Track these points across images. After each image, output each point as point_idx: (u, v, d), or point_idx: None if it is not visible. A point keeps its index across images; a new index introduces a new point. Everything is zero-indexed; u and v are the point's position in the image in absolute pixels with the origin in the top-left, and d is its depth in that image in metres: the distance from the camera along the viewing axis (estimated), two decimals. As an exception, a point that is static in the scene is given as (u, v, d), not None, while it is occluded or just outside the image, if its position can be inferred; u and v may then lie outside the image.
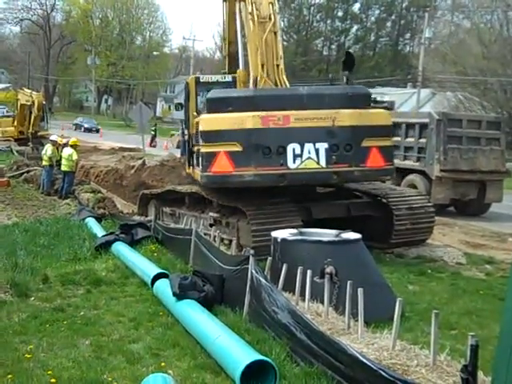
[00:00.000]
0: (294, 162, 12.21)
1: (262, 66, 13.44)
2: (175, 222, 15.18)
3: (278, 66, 13.58)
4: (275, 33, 13.65)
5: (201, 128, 12.71)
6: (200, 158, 12.96)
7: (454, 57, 49.04)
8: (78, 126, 73.20)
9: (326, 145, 12.26)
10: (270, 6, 13.68)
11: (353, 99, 12.72)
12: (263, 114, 12.22)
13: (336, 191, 14.68)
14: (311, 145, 12.23)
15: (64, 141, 23.72)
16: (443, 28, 60.24)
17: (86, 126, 72.63)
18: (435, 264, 12.99)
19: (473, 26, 51.00)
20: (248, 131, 12.19)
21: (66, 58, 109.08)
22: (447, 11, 63.23)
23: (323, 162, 12.28)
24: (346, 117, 12.40)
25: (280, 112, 12.25)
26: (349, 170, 12.47)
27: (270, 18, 13.59)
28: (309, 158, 12.23)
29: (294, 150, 12.19)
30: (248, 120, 12.22)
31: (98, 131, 69.17)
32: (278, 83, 13.52)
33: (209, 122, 12.64)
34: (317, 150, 12.23)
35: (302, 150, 12.21)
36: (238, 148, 12.16)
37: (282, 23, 75.64)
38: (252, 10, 13.53)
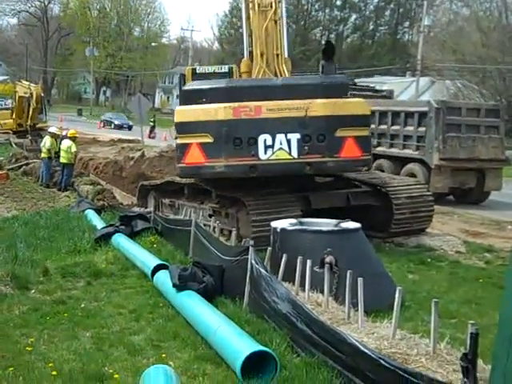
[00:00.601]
0: (266, 152, 12.16)
1: (262, 55, 13.40)
2: (175, 213, 15.19)
3: (277, 55, 13.51)
4: (276, 21, 13.54)
5: (175, 120, 12.85)
6: (175, 150, 13.09)
7: (452, 45, 48.97)
8: (106, 123, 65.19)
9: (298, 135, 12.17)
10: None
11: (328, 89, 12.58)
12: (235, 105, 12.21)
13: (335, 181, 14.67)
14: (283, 135, 12.15)
15: (63, 132, 23.69)
16: (442, 16, 60.18)
17: (116, 122, 64.55)
18: (435, 253, 13.02)
19: (472, 13, 50.93)
20: (219, 122, 12.22)
21: (64, 49, 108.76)
22: (446, -1, 63.08)
23: (295, 153, 12.19)
24: (320, 107, 12.25)
25: (252, 103, 12.22)
26: (322, 161, 12.34)
27: (271, 6, 13.49)
28: (280, 148, 12.16)
29: (265, 140, 12.14)
30: (219, 111, 12.24)
31: (130, 128, 60.90)
32: (278, 73, 13.48)
33: (182, 113, 12.76)
34: (288, 141, 12.15)
35: (273, 141, 12.15)
36: (209, 139, 12.24)
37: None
38: None
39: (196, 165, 12.43)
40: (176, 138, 13.04)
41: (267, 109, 12.20)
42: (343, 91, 12.88)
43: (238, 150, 12.19)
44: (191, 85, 13.26)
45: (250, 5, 13.59)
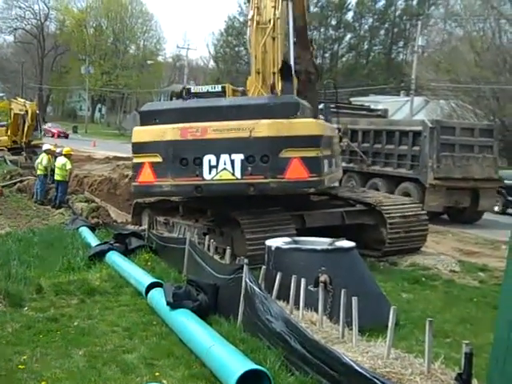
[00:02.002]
0: (210, 173, 12.20)
1: (258, 73, 13.41)
2: (169, 231, 15.15)
3: (274, 73, 13.48)
4: (274, 38, 13.48)
5: (132, 140, 13.15)
6: (131, 168, 13.44)
7: (446, 65, 49.15)
8: None
9: (241, 156, 12.11)
10: (273, 10, 13.44)
11: (275, 109, 12.34)
12: (183, 125, 12.35)
13: (330, 199, 14.66)
14: (227, 156, 12.14)
15: (58, 150, 23.70)
16: (436, 36, 60.44)
17: None
18: (429, 272, 13.00)
19: (465, 34, 51.14)
20: (167, 143, 12.43)
21: (59, 67, 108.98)
22: (440, 19, 63.45)
23: (238, 174, 12.13)
24: (264, 127, 12.11)
25: (200, 124, 12.31)
26: (264, 182, 12.15)
27: (270, 22, 13.48)
28: (224, 169, 12.16)
29: (209, 161, 12.19)
30: (168, 132, 12.45)
31: None
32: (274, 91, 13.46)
33: (137, 134, 13.02)
34: (232, 162, 12.13)
35: (217, 162, 12.17)
36: (158, 159, 12.47)
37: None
38: (253, 14, 13.44)
39: (147, 184, 12.72)
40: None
41: (213, 129, 12.23)
42: (291, 111, 12.44)
43: (184, 170, 12.32)
44: (147, 106, 13.63)
45: (249, 22, 13.61)
